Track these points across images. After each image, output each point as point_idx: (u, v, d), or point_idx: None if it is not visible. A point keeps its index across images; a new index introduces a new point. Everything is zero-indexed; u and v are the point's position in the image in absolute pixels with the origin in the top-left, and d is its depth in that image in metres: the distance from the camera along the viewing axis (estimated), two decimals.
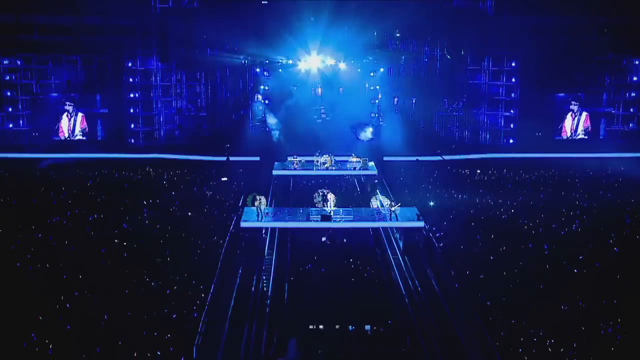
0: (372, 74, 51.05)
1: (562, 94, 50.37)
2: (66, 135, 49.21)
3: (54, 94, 49.08)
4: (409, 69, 52.53)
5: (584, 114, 50.33)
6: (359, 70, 52.07)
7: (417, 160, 44.51)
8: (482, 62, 49.82)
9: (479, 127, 50.85)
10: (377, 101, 53.73)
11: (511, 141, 50.30)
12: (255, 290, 25.25)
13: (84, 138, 49.26)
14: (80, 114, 49.21)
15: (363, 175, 39.26)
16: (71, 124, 49.16)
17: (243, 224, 29.51)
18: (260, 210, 29.82)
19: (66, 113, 48.97)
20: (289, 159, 40.30)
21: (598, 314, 21.45)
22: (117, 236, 28.90)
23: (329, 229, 29.82)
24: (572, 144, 49.27)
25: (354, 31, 49.52)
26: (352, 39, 50.31)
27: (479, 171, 42.04)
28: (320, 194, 31.66)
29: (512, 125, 50.34)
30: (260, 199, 30.38)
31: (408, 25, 49.53)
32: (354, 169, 39.11)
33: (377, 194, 33.59)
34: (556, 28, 49.00)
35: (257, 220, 29.35)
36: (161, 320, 21.19)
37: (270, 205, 34.79)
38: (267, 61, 52.73)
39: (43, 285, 23.57)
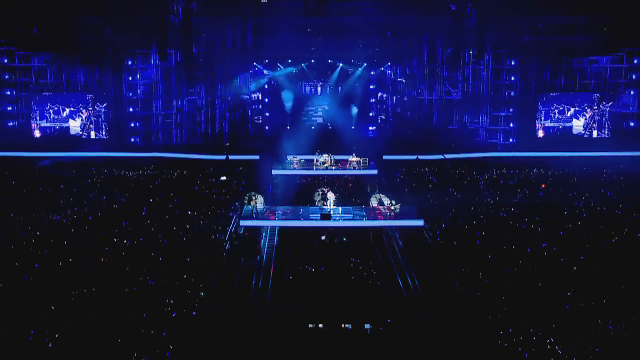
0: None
1: (558, 94, 50.46)
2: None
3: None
4: (408, 68, 52.62)
5: (588, 112, 50.35)
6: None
7: (417, 158, 44.46)
8: (482, 60, 49.85)
9: (479, 126, 50.88)
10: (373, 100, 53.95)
11: (511, 140, 50.36)
12: (255, 288, 25.22)
13: (84, 136, 49.25)
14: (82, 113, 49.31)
15: (363, 174, 39.26)
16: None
17: (242, 223, 29.54)
18: (257, 209, 29.82)
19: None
20: (289, 158, 40.34)
21: (598, 314, 21.42)
22: (117, 235, 28.89)
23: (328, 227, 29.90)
24: (579, 142, 49.18)
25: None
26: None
27: (478, 169, 42.03)
28: (320, 192, 31.75)
29: (511, 125, 50.36)
30: (257, 198, 30.40)
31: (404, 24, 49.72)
32: (354, 168, 39.12)
33: (376, 192, 33.61)
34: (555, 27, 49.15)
35: (254, 219, 29.37)
36: (161, 319, 21.18)
37: (270, 205, 34.73)
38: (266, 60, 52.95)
39: (42, 284, 23.58)
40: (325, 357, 20.11)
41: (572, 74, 50.38)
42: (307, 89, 54.58)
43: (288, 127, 52.36)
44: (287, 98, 53.34)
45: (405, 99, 52.33)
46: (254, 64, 52.83)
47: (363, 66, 52.75)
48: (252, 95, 53.63)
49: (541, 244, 27.81)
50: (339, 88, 53.65)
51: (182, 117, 50.24)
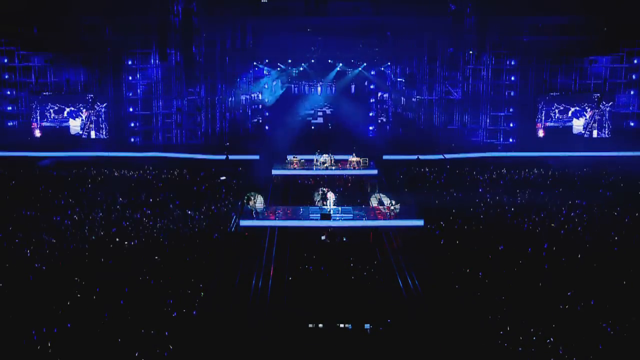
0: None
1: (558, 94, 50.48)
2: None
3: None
4: (408, 67, 52.64)
5: (588, 112, 50.33)
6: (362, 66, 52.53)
7: (417, 158, 44.46)
8: (482, 60, 49.88)
9: (479, 126, 50.89)
10: (373, 100, 54.05)
11: (511, 140, 50.40)
12: (255, 288, 25.23)
13: (84, 136, 49.25)
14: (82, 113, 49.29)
15: (363, 174, 39.29)
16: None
17: (242, 223, 29.55)
18: (256, 209, 29.82)
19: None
20: (289, 158, 40.39)
21: (598, 314, 21.43)
22: (117, 234, 28.92)
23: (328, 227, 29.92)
24: (579, 142, 49.16)
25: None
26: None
27: (477, 169, 42.03)
28: (320, 192, 31.78)
29: (511, 125, 50.39)
30: (256, 198, 30.40)
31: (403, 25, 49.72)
32: (354, 168, 39.18)
33: (376, 192, 33.63)
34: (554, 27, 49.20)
35: (254, 219, 29.39)
36: (160, 318, 21.20)
37: (270, 205, 34.78)
38: (266, 60, 52.99)
39: (43, 283, 23.60)
40: (325, 357, 20.13)
41: (572, 74, 50.42)
42: (306, 88, 54.72)
43: (288, 127, 52.42)
44: (282, 96, 53.57)
45: (403, 98, 52.37)
46: (254, 63, 52.89)
47: (362, 65, 52.84)
48: (252, 95, 53.69)
49: (541, 244, 27.80)
50: (352, 86, 53.83)
51: (182, 117, 50.25)
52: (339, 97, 53.66)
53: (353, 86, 54.01)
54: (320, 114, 54.33)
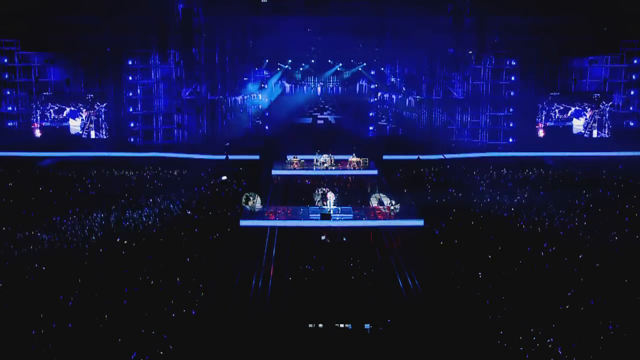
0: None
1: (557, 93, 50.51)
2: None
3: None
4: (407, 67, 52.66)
5: (588, 112, 50.33)
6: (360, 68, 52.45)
7: (418, 158, 44.45)
8: (482, 60, 49.89)
9: (480, 126, 50.90)
10: (374, 100, 54.00)
11: (511, 140, 50.39)
12: (255, 288, 25.23)
13: (84, 136, 49.24)
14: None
15: (363, 174, 39.28)
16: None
17: (242, 223, 29.55)
18: (255, 209, 29.81)
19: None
20: (289, 158, 40.38)
21: (598, 314, 21.44)
22: (117, 234, 28.93)
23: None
24: (579, 142, 49.17)
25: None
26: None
27: (477, 169, 42.04)
28: (320, 192, 31.78)
29: (511, 124, 50.39)
30: (254, 199, 30.38)
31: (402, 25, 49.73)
32: (354, 168, 39.18)
33: (376, 192, 33.63)
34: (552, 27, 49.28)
35: (254, 219, 29.39)
36: (160, 319, 21.20)
37: (270, 205, 34.76)
38: (267, 60, 52.98)
39: (43, 284, 23.61)
40: (325, 357, 20.13)
41: (572, 74, 50.45)
42: (305, 88, 54.80)
43: (290, 126, 52.47)
44: (281, 96, 53.65)
45: (409, 98, 52.39)
46: (254, 63, 52.93)
47: (361, 65, 52.88)
48: (252, 95, 53.74)
49: (541, 244, 27.80)
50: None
51: (182, 117, 50.26)
52: (341, 98, 53.69)
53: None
54: (321, 121, 54.26)
